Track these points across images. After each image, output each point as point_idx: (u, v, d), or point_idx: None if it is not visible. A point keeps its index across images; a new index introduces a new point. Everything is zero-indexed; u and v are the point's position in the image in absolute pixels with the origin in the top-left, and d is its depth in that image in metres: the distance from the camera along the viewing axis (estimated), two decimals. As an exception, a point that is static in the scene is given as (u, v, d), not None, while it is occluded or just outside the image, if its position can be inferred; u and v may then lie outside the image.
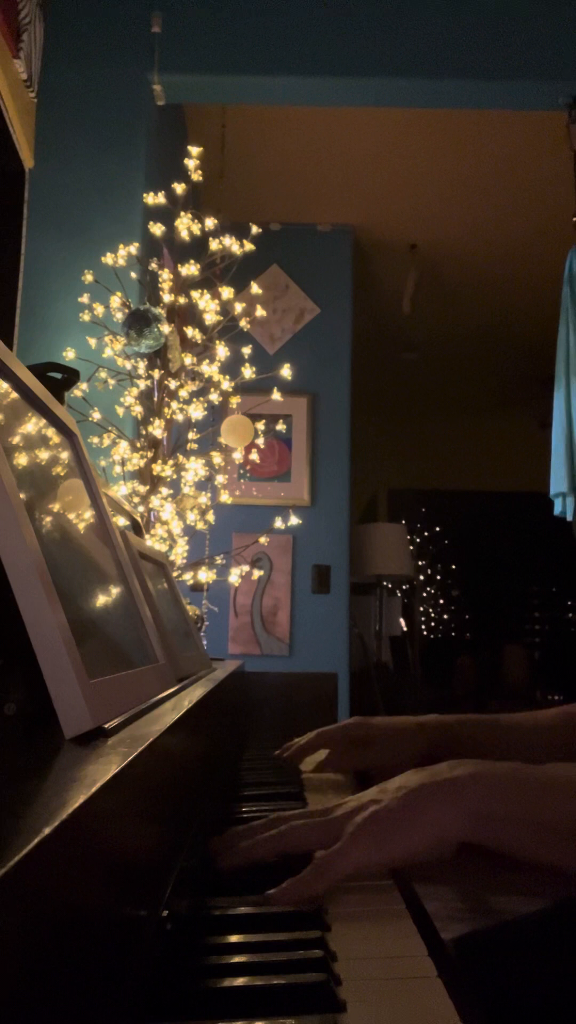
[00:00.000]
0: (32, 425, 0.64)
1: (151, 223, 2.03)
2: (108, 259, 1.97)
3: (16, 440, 0.58)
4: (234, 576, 2.03)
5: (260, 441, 2.05)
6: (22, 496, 0.50)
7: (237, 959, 0.48)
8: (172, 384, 1.93)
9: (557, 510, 2.63)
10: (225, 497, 2.03)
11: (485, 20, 2.53)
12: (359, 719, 0.97)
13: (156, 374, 1.93)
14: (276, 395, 2.07)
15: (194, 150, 2.03)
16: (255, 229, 2.04)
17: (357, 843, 0.54)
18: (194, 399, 1.98)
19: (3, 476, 0.47)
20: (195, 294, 1.98)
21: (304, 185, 3.60)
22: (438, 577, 7.68)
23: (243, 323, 2.04)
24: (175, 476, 1.94)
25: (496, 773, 0.55)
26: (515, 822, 0.53)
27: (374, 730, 0.93)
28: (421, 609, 7.44)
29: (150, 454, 1.90)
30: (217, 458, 2.00)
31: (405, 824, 0.54)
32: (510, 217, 3.79)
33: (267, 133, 3.27)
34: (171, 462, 1.92)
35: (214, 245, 2.02)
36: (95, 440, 1.89)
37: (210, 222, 2.01)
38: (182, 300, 1.98)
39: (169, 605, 1.13)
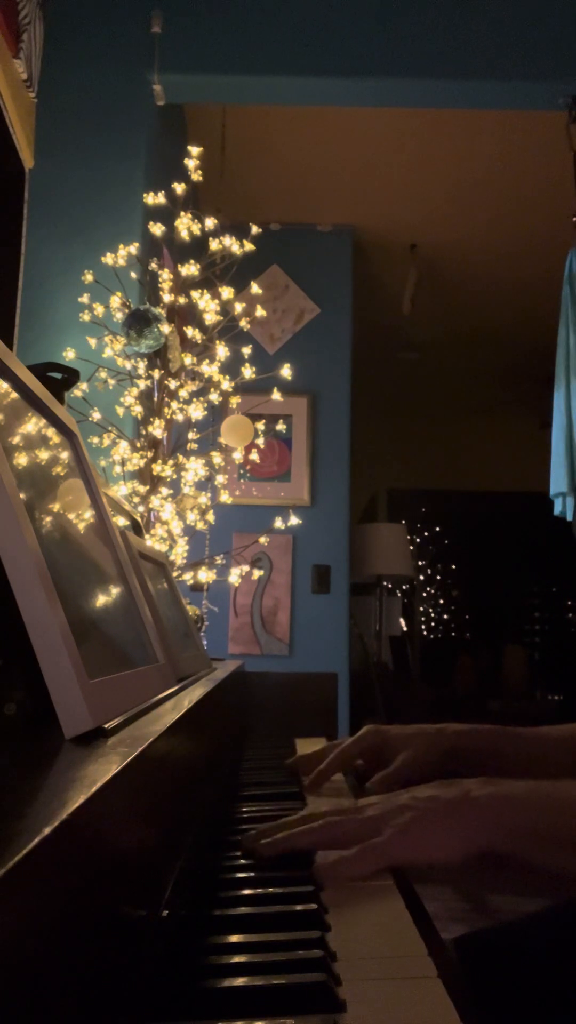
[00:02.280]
0: (32, 425, 0.64)
1: (151, 223, 2.03)
2: (108, 259, 1.97)
3: (16, 440, 0.58)
4: (234, 576, 2.03)
5: (260, 441, 2.05)
6: (22, 496, 0.50)
7: (237, 959, 0.48)
8: (172, 384, 1.93)
9: (557, 510, 2.63)
10: (225, 497, 2.03)
11: (485, 20, 2.53)
12: (374, 728, 0.95)
13: (156, 374, 1.93)
14: (276, 395, 2.07)
15: (194, 150, 2.03)
16: (255, 229, 2.04)
17: (400, 841, 0.58)
18: (194, 399, 1.98)
19: (3, 476, 0.47)
20: (195, 294, 1.98)
21: (304, 185, 3.60)
22: (438, 577, 7.68)
23: (243, 323, 2.04)
24: (175, 476, 1.94)
25: (525, 792, 0.60)
26: (541, 838, 0.58)
27: (391, 739, 0.91)
28: (421, 609, 7.44)
29: (150, 454, 1.90)
30: (217, 458, 2.00)
31: (443, 833, 0.58)
32: (510, 217, 3.79)
33: (267, 133, 3.27)
34: (171, 462, 1.92)
35: (214, 245, 2.03)
36: (95, 440, 1.89)
37: (210, 222, 2.01)
38: (182, 300, 1.98)
39: (169, 605, 1.13)
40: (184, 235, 1.99)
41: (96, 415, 1.90)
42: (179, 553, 1.91)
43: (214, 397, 1.99)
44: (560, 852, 0.57)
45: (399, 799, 0.62)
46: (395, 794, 0.64)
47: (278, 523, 2.08)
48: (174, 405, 1.93)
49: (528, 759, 0.88)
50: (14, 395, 0.62)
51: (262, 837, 0.65)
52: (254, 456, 2.09)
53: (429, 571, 7.61)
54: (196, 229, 2.01)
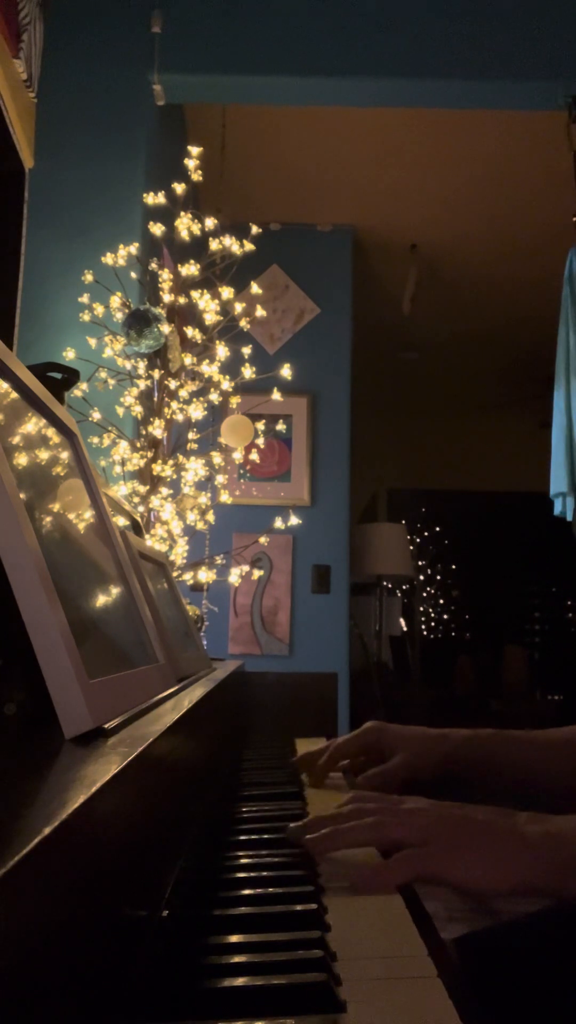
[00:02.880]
0: (32, 425, 0.64)
1: (151, 223, 2.03)
2: (108, 259, 1.97)
3: (16, 440, 0.58)
4: (234, 576, 2.03)
5: (260, 441, 2.05)
6: (22, 496, 0.50)
7: (237, 959, 0.48)
8: (172, 384, 1.93)
9: (557, 510, 2.62)
10: (225, 497, 2.03)
11: (485, 20, 2.53)
12: (375, 724, 0.94)
13: (156, 374, 1.93)
14: (276, 395, 2.07)
15: (194, 150, 2.03)
16: (255, 229, 2.04)
17: (447, 858, 0.57)
18: (194, 399, 1.98)
19: (3, 476, 0.47)
20: (195, 294, 1.98)
21: (304, 185, 3.60)
22: (438, 577, 7.68)
23: (243, 323, 2.04)
24: (175, 476, 1.94)
25: (571, 829, 0.59)
26: None
27: (393, 737, 0.91)
28: (421, 609, 7.44)
29: (150, 454, 1.90)
30: (217, 458, 2.00)
31: (492, 863, 0.57)
32: (510, 217, 3.79)
33: (267, 133, 3.27)
34: (171, 462, 1.92)
35: (214, 245, 2.03)
36: (95, 440, 1.89)
37: (210, 222, 2.01)
38: (182, 300, 1.98)
39: (169, 605, 1.13)
40: (184, 235, 1.99)
41: (96, 415, 1.90)
42: (179, 553, 1.91)
43: (214, 397, 1.99)
44: None
45: (452, 812, 0.61)
46: (447, 805, 0.63)
47: (278, 523, 2.08)
48: (174, 405, 1.93)
49: (530, 764, 0.88)
50: (14, 395, 0.62)
51: (308, 829, 0.64)
52: (254, 456, 2.09)
53: (429, 571, 7.61)
54: (196, 229, 2.01)
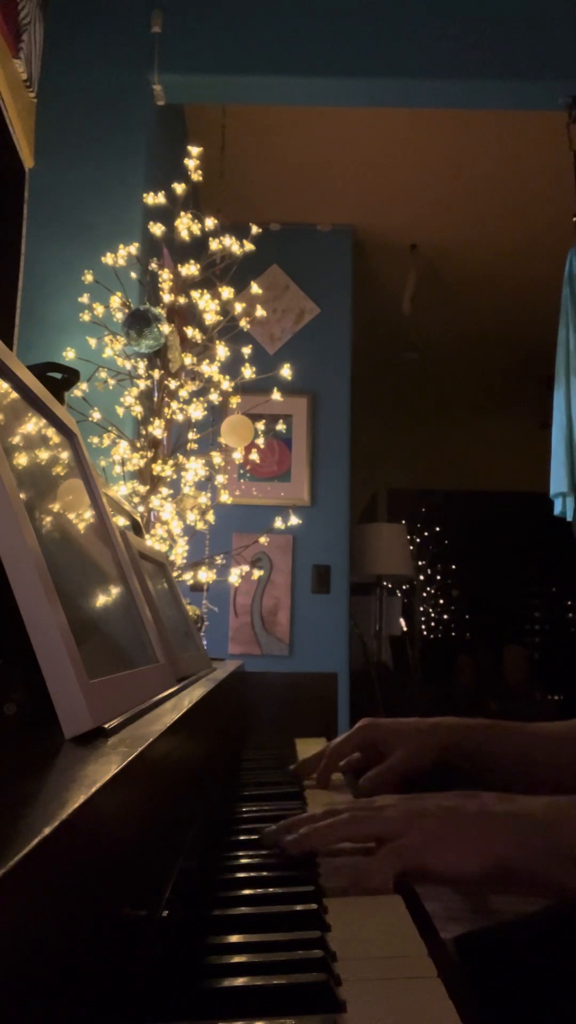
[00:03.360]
0: (32, 425, 0.64)
1: (151, 223, 2.03)
2: (108, 259, 1.97)
3: (16, 440, 0.58)
4: (234, 576, 2.03)
5: (260, 441, 2.05)
6: (22, 496, 0.50)
7: (237, 959, 0.48)
8: (172, 384, 1.93)
9: (557, 510, 2.63)
10: (225, 497, 2.03)
11: (485, 20, 2.53)
12: (369, 721, 0.94)
13: (156, 374, 1.93)
14: (276, 395, 2.07)
15: (194, 150, 2.03)
16: (255, 229, 2.04)
17: (424, 846, 0.58)
18: (194, 399, 1.98)
19: (3, 476, 0.47)
20: (195, 294, 1.98)
21: (304, 185, 3.60)
22: (438, 577, 7.67)
23: (243, 323, 2.04)
24: (175, 476, 1.94)
25: (542, 810, 0.60)
26: (556, 857, 0.58)
27: (387, 733, 0.91)
28: (421, 609, 7.44)
29: (150, 454, 1.90)
30: (217, 458, 2.00)
31: (463, 844, 0.59)
32: (510, 217, 3.79)
33: (267, 133, 3.27)
34: (171, 462, 1.92)
35: (214, 245, 2.03)
36: (95, 440, 1.89)
37: (210, 222, 2.01)
38: (182, 300, 1.98)
39: (169, 605, 1.13)
40: (184, 235, 1.99)
41: (96, 415, 1.90)
42: (179, 553, 1.91)
43: (214, 397, 1.99)
44: (574, 870, 0.57)
45: (423, 803, 0.62)
46: (417, 797, 0.64)
47: (278, 523, 2.08)
48: (174, 405, 1.93)
49: (521, 754, 0.88)
50: (14, 395, 0.62)
51: (285, 831, 0.65)
52: (254, 456, 2.09)
53: (429, 571, 7.61)
54: (196, 229, 2.01)
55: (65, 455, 0.71)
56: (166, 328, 1.85)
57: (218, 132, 3.00)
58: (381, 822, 0.61)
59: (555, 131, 2.75)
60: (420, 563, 7.31)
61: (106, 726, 0.48)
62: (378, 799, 0.65)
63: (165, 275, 1.97)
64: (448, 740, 0.88)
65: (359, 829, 0.62)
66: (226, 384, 2.00)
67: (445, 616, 7.75)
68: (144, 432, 1.92)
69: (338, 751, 0.96)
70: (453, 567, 7.65)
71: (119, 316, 1.90)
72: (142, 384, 1.94)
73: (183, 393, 1.95)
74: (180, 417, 1.96)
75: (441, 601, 7.74)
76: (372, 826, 0.61)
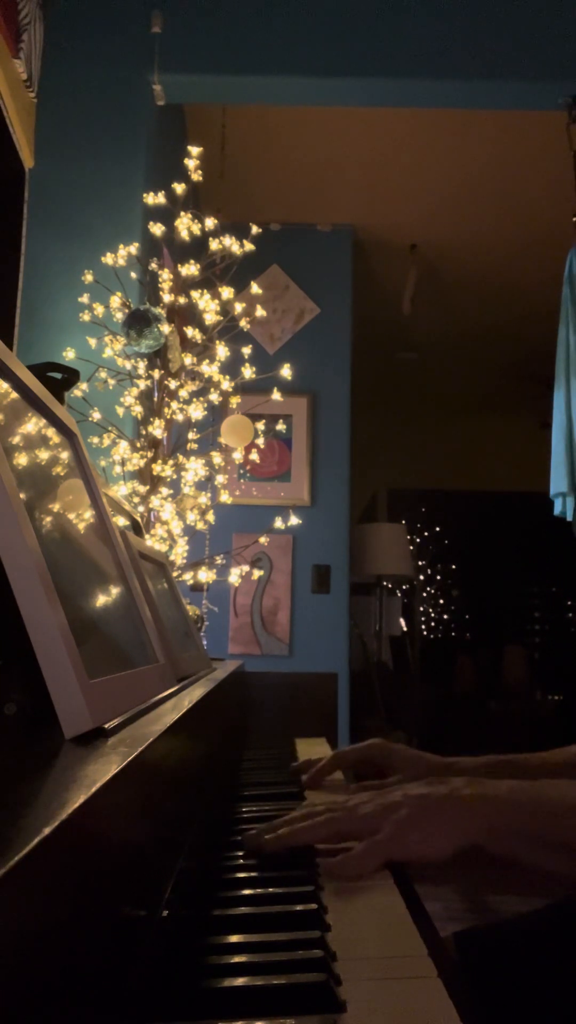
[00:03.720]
0: (32, 425, 0.64)
1: (151, 223, 2.03)
2: (108, 259, 1.97)
3: (16, 440, 0.58)
4: (234, 576, 2.03)
5: (260, 441, 2.05)
6: (22, 496, 0.50)
7: (237, 959, 0.48)
8: (172, 384, 1.93)
9: (557, 510, 2.62)
10: (225, 497, 2.03)
11: (485, 20, 2.53)
12: (380, 742, 0.94)
13: (156, 374, 1.93)
14: (276, 395, 2.07)
15: (194, 150, 2.03)
16: (255, 229, 2.04)
17: (398, 837, 0.61)
18: (194, 399, 1.98)
19: (3, 476, 0.47)
20: (195, 294, 1.98)
21: (304, 185, 3.60)
22: (438, 577, 7.67)
23: (243, 323, 2.04)
24: (175, 476, 1.94)
25: (507, 793, 0.63)
26: (524, 838, 0.60)
27: (396, 759, 0.91)
28: (421, 609, 7.43)
29: (150, 454, 1.90)
30: (217, 458, 2.00)
31: (434, 829, 0.61)
32: (510, 217, 3.79)
33: (267, 133, 3.27)
34: (171, 462, 1.92)
35: (214, 245, 2.02)
36: (95, 440, 1.89)
37: (210, 222, 2.01)
38: (182, 300, 1.98)
39: (169, 605, 1.13)
40: (184, 235, 1.99)
41: (96, 415, 1.90)
42: (179, 553, 1.91)
43: (214, 397, 1.99)
44: (543, 851, 0.60)
45: (392, 796, 0.64)
46: (388, 790, 0.67)
47: (278, 523, 2.08)
48: (174, 405, 1.93)
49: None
50: (14, 395, 0.62)
51: (266, 833, 0.67)
52: (254, 456, 2.09)
53: (429, 571, 7.61)
54: (196, 229, 2.01)
55: (65, 455, 0.71)
56: (166, 328, 1.85)
57: (218, 132, 3.00)
58: (356, 820, 0.63)
59: (555, 131, 2.75)
60: (420, 563, 7.31)
61: (106, 726, 0.48)
62: (352, 797, 0.68)
63: (165, 275, 1.97)
64: None
65: (335, 827, 0.64)
66: (226, 384, 2.00)
67: (445, 616, 7.75)
68: (144, 432, 1.92)
69: (340, 758, 0.96)
70: (453, 567, 7.65)
71: (119, 316, 1.90)
72: (142, 384, 1.94)
73: (183, 393, 1.95)
74: (180, 417, 1.96)
75: (441, 601, 7.74)
76: (347, 824, 0.64)
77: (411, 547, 5.12)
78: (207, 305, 1.98)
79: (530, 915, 0.81)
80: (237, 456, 2.04)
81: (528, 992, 0.71)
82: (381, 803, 0.64)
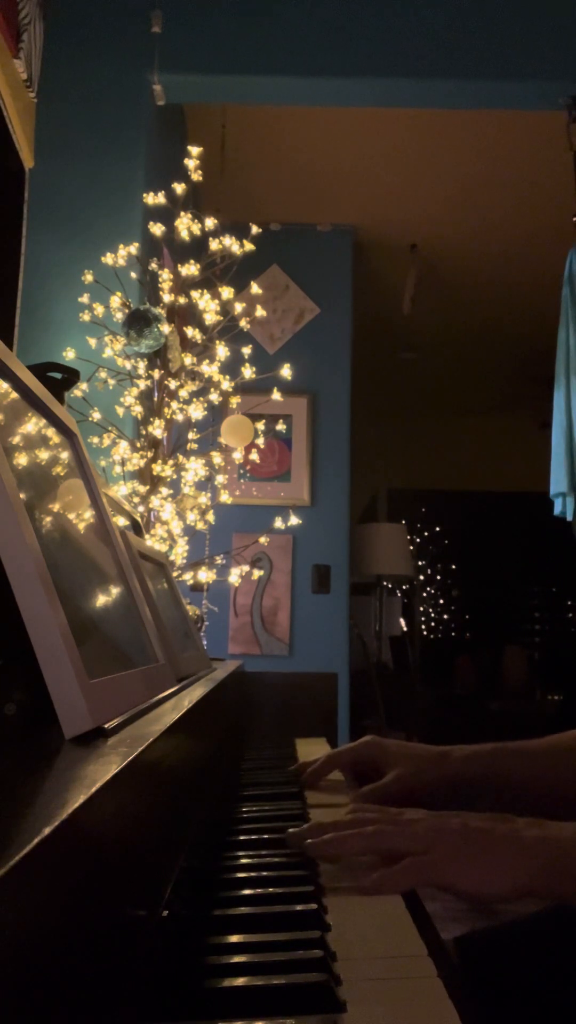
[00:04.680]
0: (32, 425, 0.64)
1: (151, 223, 2.03)
2: (108, 259, 1.97)
3: (16, 440, 0.58)
4: (234, 576, 2.03)
5: (260, 441, 2.05)
6: (22, 496, 0.50)
7: (237, 959, 0.48)
8: (172, 384, 1.93)
9: (557, 510, 2.62)
10: (225, 497, 2.03)
11: (485, 20, 2.53)
12: (373, 739, 0.94)
13: (156, 374, 1.93)
14: (276, 395, 2.07)
15: (194, 150, 2.03)
16: (255, 229, 2.04)
17: (449, 865, 0.58)
18: (194, 399, 1.98)
19: (3, 476, 0.47)
20: (195, 294, 1.98)
21: (304, 185, 3.60)
22: (438, 577, 7.67)
23: (243, 323, 2.04)
24: (175, 476, 1.94)
25: (572, 836, 0.60)
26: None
27: (390, 755, 0.90)
28: (421, 609, 7.43)
29: (150, 454, 1.90)
30: (217, 458, 2.00)
31: (491, 868, 0.59)
32: (510, 217, 3.79)
33: (267, 133, 3.27)
34: (171, 462, 1.92)
35: (214, 245, 2.02)
36: (95, 440, 1.89)
37: (210, 222, 2.01)
38: (182, 300, 1.98)
39: (169, 605, 1.13)
40: (184, 235, 1.99)
41: (96, 415, 1.90)
42: (179, 553, 1.91)
43: (214, 397, 1.99)
44: None
45: (450, 822, 0.62)
46: (446, 814, 0.64)
47: (278, 523, 2.08)
48: (174, 405, 1.93)
49: (535, 775, 0.87)
50: (14, 395, 0.62)
51: (308, 835, 0.65)
52: (254, 456, 2.09)
53: (429, 571, 7.60)
54: (196, 229, 2.01)
55: (65, 455, 0.71)
56: (166, 328, 1.85)
57: (218, 132, 3.00)
58: (408, 837, 0.61)
59: (555, 131, 2.75)
60: (420, 563, 7.31)
61: (106, 726, 0.48)
62: (406, 812, 0.65)
63: (165, 275, 1.97)
64: (457, 772, 0.87)
65: (385, 842, 0.62)
66: (226, 384, 2.00)
67: (445, 616, 7.75)
68: (144, 432, 1.92)
69: (335, 760, 0.96)
70: (453, 567, 7.64)
71: (119, 316, 1.90)
72: (142, 384, 1.94)
73: (183, 393, 1.95)
74: (180, 417, 1.96)
75: (441, 601, 7.74)
76: (398, 841, 0.61)
77: (411, 547, 5.12)
78: (207, 305, 1.97)
79: (530, 917, 0.81)
80: (237, 456, 2.04)
81: (528, 994, 0.71)
82: (436, 825, 0.61)
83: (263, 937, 0.51)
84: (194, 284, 2.00)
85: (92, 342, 1.96)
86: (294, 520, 2.10)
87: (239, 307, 2.02)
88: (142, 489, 1.87)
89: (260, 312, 2.07)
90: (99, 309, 1.93)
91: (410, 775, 0.86)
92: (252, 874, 0.63)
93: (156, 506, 1.87)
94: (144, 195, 2.14)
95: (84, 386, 1.90)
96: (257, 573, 2.09)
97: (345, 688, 3.47)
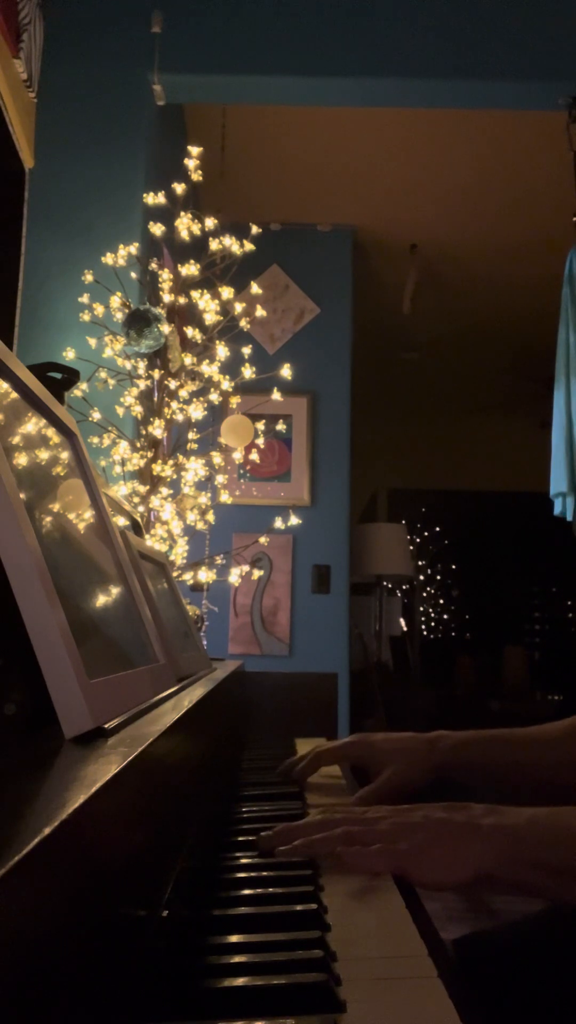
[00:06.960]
0: (32, 425, 0.64)
1: (151, 223, 2.03)
2: (108, 259, 1.97)
3: (16, 440, 0.58)
4: (234, 576, 2.03)
5: (260, 441, 2.05)
6: (22, 496, 0.50)
7: (237, 959, 0.48)
8: (172, 384, 1.93)
9: (557, 510, 2.62)
10: (225, 497, 2.03)
11: (485, 20, 2.53)
12: (360, 737, 0.94)
13: (156, 374, 1.93)
14: (276, 395, 2.07)
15: (194, 150, 2.02)
16: (255, 229, 2.04)
17: (415, 859, 0.60)
18: (194, 399, 1.98)
19: (3, 476, 0.47)
20: (195, 294, 1.98)
21: (304, 185, 3.60)
22: (438, 577, 7.67)
23: (243, 323, 2.04)
24: (175, 476, 1.94)
25: (527, 823, 0.62)
26: (541, 868, 0.60)
27: (380, 753, 0.90)
28: (421, 609, 7.43)
29: (150, 454, 1.90)
30: (217, 458, 2.00)
31: (451, 857, 0.61)
32: (510, 217, 3.79)
33: (267, 133, 3.27)
34: (171, 462, 1.92)
35: (214, 245, 2.02)
36: (95, 440, 1.89)
37: (210, 222, 2.01)
38: (182, 300, 1.98)
39: (169, 605, 1.13)
40: (184, 235, 1.99)
41: (96, 415, 1.90)
42: (179, 553, 1.91)
43: (214, 397, 1.99)
44: (558, 880, 0.59)
45: (413, 817, 0.64)
46: (408, 809, 0.66)
47: (278, 523, 2.08)
48: (174, 405, 1.93)
49: (517, 761, 0.88)
50: (14, 395, 0.62)
51: (279, 838, 0.66)
52: (254, 456, 2.09)
53: (429, 571, 7.60)
54: (196, 229, 2.01)
55: (65, 455, 0.71)
56: (166, 328, 1.85)
57: (218, 132, 3.00)
58: (373, 836, 0.63)
59: (555, 131, 2.75)
60: (420, 563, 7.31)
61: (106, 726, 0.48)
62: (370, 811, 0.67)
63: (165, 275, 1.97)
64: (446, 760, 0.88)
65: (352, 843, 0.63)
66: (226, 384, 2.00)
67: (445, 616, 7.75)
68: (144, 432, 1.92)
69: (323, 758, 0.96)
70: (453, 567, 7.64)
71: (119, 316, 1.90)
72: (142, 384, 1.94)
73: (183, 393, 1.95)
74: (180, 417, 1.96)
75: (441, 601, 7.74)
76: (364, 840, 0.63)
77: (411, 547, 5.12)
78: (207, 305, 1.97)
79: (530, 917, 0.81)
80: (237, 456, 2.04)
81: (528, 994, 0.71)
82: (400, 822, 0.63)
83: (263, 937, 0.51)
84: (194, 284, 2.00)
85: (92, 342, 1.96)
86: (294, 520, 2.10)
87: (239, 307, 2.02)
88: (142, 489, 1.87)
89: (260, 312, 2.07)
90: (99, 309, 1.93)
91: (403, 770, 0.87)
92: (252, 874, 0.63)
93: (156, 506, 1.87)
94: (144, 195, 2.14)
95: (84, 386, 1.90)
96: (257, 573, 2.09)
97: (345, 688, 3.47)
